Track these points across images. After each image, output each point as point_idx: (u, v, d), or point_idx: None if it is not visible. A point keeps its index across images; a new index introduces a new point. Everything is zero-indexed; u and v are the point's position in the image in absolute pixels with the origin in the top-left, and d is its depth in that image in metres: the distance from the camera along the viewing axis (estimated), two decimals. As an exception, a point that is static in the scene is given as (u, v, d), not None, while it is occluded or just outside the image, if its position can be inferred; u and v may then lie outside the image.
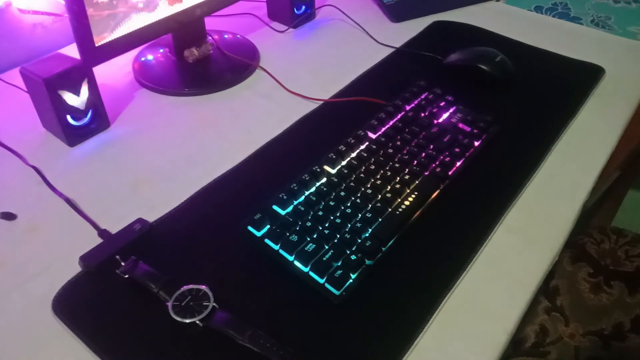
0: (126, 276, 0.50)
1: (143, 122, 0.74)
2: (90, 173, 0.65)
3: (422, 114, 0.70)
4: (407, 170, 0.61)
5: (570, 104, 0.76)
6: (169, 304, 0.47)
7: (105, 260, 0.52)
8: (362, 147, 0.65)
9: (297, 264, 0.51)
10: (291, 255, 0.52)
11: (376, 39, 0.91)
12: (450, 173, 0.62)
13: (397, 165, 0.62)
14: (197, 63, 0.84)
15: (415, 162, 0.63)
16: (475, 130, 0.67)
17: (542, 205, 0.60)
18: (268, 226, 0.55)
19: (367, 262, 0.52)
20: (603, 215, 1.19)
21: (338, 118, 0.73)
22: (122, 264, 0.51)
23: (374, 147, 0.64)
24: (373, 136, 0.67)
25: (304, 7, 0.96)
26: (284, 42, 0.92)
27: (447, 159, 0.63)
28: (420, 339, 0.47)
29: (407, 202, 0.57)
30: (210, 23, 0.88)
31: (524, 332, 0.73)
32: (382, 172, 0.61)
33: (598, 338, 0.73)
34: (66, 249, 0.55)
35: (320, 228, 0.54)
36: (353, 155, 0.64)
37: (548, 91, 0.78)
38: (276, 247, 0.53)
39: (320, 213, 0.55)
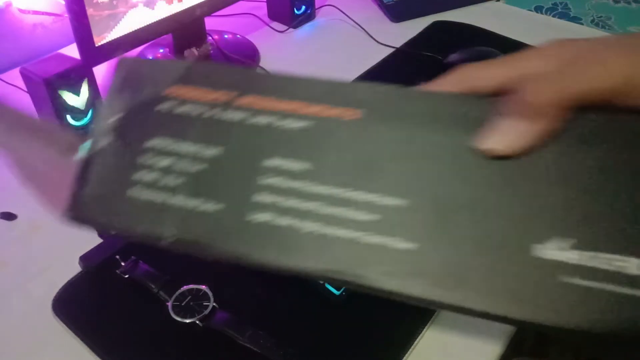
0: (126, 276, 0.50)
1: (143, 122, 0.74)
2: (90, 173, 0.65)
3: (422, 114, 0.70)
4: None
5: (570, 104, 0.76)
6: (169, 304, 0.47)
7: (105, 260, 0.52)
8: (362, 147, 0.65)
9: (297, 264, 0.51)
10: (291, 255, 0.52)
11: (376, 39, 0.91)
12: (450, 173, 0.62)
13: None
14: (197, 63, 0.84)
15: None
16: (475, 130, 0.67)
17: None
18: (268, 226, 0.55)
19: (367, 262, 0.52)
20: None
21: (338, 118, 0.73)
22: (122, 264, 0.51)
23: (374, 147, 0.64)
24: (373, 136, 0.67)
25: (304, 7, 0.95)
26: (284, 42, 0.92)
27: (447, 159, 0.63)
28: (420, 338, 0.47)
29: (407, 202, 0.57)
30: (210, 23, 0.88)
31: (524, 332, 0.73)
32: (382, 172, 0.61)
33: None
34: (66, 249, 0.55)
35: (320, 228, 0.54)
36: (353, 155, 0.64)
37: (548, 91, 0.78)
38: (276, 247, 0.53)
39: (320, 213, 0.55)
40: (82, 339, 0.47)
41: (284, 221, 0.23)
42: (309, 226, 0.23)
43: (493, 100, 0.23)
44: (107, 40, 0.68)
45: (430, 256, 0.21)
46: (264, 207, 0.23)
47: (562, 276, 0.21)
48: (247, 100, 0.25)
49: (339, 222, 0.22)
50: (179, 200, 0.24)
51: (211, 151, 0.24)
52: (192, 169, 0.24)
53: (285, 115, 0.24)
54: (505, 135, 0.22)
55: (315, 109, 0.24)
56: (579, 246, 0.21)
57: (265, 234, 0.23)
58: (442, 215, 0.22)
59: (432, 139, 0.23)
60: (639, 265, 0.20)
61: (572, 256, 0.21)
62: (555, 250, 0.21)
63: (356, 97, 0.25)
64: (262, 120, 0.24)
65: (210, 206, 0.23)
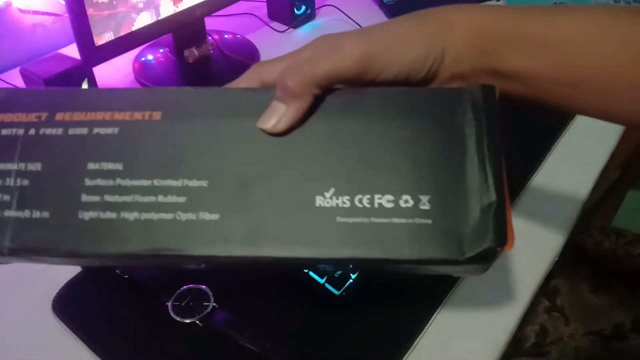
0: (126, 276, 0.50)
1: (143, 122, 0.74)
2: (90, 173, 0.65)
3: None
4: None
5: (570, 104, 0.76)
6: (169, 304, 0.47)
7: (105, 260, 0.52)
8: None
9: (297, 264, 0.51)
10: (291, 255, 0.52)
11: (376, 39, 0.91)
12: (450, 173, 0.62)
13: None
14: (197, 63, 0.84)
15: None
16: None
17: (542, 205, 0.60)
18: (268, 226, 0.55)
19: (367, 262, 0.52)
20: (603, 215, 1.19)
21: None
22: (122, 264, 0.51)
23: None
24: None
25: (304, 7, 0.95)
26: (284, 42, 0.92)
27: (447, 159, 0.63)
28: (420, 338, 0.47)
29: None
30: (210, 23, 0.88)
31: (524, 332, 0.73)
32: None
33: (598, 338, 0.73)
34: (66, 249, 0.55)
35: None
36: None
37: (548, 91, 0.78)
38: (276, 247, 0.53)
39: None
40: (82, 339, 0.47)
41: (111, 215, 0.26)
42: (131, 215, 0.26)
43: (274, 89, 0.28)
44: (107, 40, 0.68)
45: (232, 222, 0.26)
46: (91, 205, 0.27)
47: (339, 217, 0.26)
48: (61, 116, 0.28)
49: (156, 208, 0.26)
50: (11, 214, 0.27)
51: (34, 165, 0.27)
52: (19, 184, 0.27)
53: (96, 124, 0.28)
54: (272, 116, 0.27)
55: (121, 116, 0.28)
56: (346, 192, 0.26)
57: (96, 229, 0.26)
58: (239, 187, 0.27)
59: (226, 127, 0.28)
60: (389, 199, 0.26)
61: (343, 201, 0.26)
62: (331, 199, 0.26)
63: (155, 101, 0.28)
64: (77, 131, 0.28)
65: (41, 213, 0.27)
